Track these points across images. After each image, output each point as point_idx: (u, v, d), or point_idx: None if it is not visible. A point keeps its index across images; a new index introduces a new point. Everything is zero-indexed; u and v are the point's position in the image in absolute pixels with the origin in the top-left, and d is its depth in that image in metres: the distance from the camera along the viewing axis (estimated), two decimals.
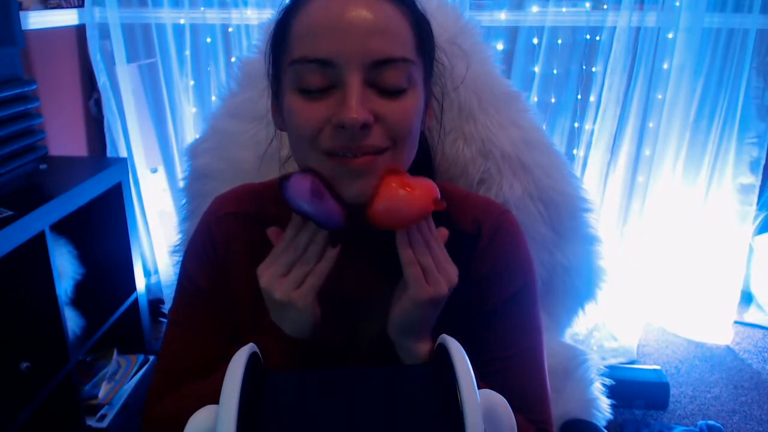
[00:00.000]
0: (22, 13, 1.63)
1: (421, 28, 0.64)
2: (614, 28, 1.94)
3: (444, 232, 0.64)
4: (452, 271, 0.63)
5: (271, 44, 0.66)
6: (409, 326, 0.64)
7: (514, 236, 0.73)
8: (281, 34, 0.64)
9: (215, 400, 0.52)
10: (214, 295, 0.73)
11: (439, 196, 0.60)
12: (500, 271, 0.72)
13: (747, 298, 2.34)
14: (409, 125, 0.61)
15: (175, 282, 0.77)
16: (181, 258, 0.79)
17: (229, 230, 0.73)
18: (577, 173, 2.02)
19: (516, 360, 0.72)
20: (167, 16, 2.02)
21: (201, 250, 0.74)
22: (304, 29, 0.60)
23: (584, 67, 2.03)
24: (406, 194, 0.59)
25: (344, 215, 0.59)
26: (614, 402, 1.05)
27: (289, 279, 0.62)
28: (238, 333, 0.74)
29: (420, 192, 0.59)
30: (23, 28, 1.49)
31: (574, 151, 2.11)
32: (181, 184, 1.08)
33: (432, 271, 0.61)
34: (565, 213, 0.93)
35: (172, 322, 0.75)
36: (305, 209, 0.59)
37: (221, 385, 0.55)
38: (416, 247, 0.61)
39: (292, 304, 0.62)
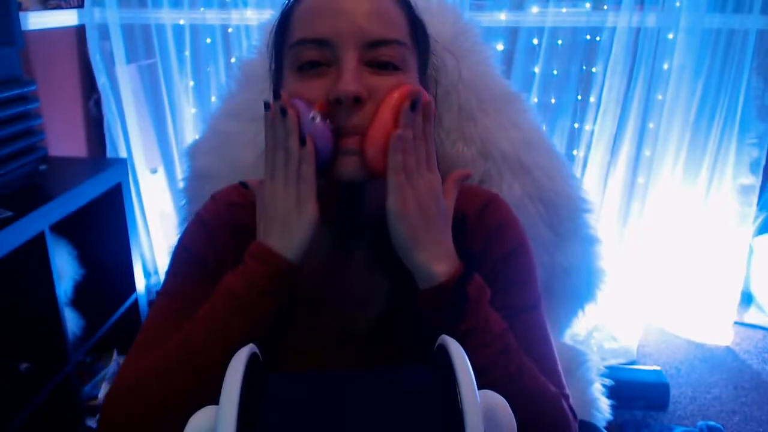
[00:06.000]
0: (21, 14, 1.63)
1: (415, 19, 0.68)
2: (614, 28, 1.94)
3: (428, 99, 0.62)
4: (433, 179, 0.62)
5: (274, 35, 0.69)
6: (405, 243, 0.61)
7: (503, 209, 0.75)
8: (284, 23, 0.67)
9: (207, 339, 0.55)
10: (208, 264, 0.72)
11: (410, 90, 0.61)
12: (492, 237, 0.72)
13: (747, 298, 2.34)
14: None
15: (169, 264, 0.75)
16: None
17: (235, 214, 0.74)
18: (577, 174, 2.03)
19: (516, 319, 0.68)
20: (167, 16, 2.02)
21: (201, 225, 0.74)
22: (303, 15, 0.64)
23: (584, 67, 2.03)
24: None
25: (333, 143, 0.61)
26: (614, 403, 1.05)
27: (288, 188, 0.61)
28: None
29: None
30: (23, 28, 1.49)
31: (574, 152, 2.11)
32: (181, 184, 1.08)
33: (412, 174, 0.61)
34: (565, 214, 0.93)
35: (161, 293, 0.73)
36: (301, 129, 0.61)
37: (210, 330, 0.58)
38: (405, 143, 0.60)
39: (298, 207, 0.61)
